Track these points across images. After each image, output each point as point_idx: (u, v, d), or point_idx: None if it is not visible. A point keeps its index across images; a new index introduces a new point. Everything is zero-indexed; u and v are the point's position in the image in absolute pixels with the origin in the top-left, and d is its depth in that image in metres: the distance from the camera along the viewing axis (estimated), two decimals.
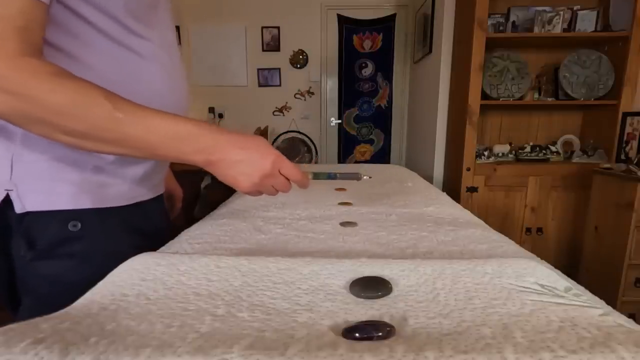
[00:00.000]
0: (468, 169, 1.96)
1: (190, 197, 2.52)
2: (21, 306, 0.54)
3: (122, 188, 0.58)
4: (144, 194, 0.63)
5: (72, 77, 0.42)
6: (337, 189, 1.22)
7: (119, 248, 0.55)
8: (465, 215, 0.94)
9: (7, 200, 0.49)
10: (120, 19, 0.52)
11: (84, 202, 0.53)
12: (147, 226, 0.65)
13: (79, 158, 0.52)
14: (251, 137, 0.51)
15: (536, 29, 1.87)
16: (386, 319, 0.38)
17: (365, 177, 0.67)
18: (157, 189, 0.68)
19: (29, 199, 0.50)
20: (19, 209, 0.49)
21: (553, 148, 2.10)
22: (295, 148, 3.35)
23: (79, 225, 0.53)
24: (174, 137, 0.45)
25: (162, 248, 0.65)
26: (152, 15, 0.58)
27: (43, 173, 0.50)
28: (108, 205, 0.56)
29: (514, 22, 1.94)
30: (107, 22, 0.51)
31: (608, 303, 0.43)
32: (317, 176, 0.62)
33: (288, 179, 0.55)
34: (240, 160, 0.49)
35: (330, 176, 0.65)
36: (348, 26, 3.27)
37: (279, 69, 3.30)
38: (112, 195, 0.57)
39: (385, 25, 3.26)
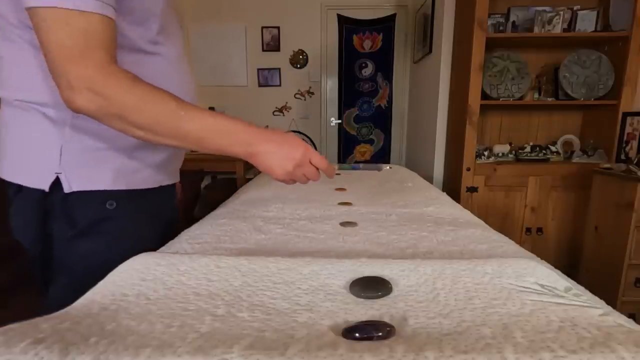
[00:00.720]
0: (468, 169, 1.96)
1: (190, 197, 2.51)
2: (54, 285, 0.61)
3: (146, 172, 0.66)
4: (163, 179, 0.71)
5: (144, 81, 0.50)
6: (337, 189, 1.22)
7: (141, 229, 0.66)
8: (465, 215, 0.94)
9: (54, 184, 0.56)
10: (152, 29, 0.59)
11: (120, 184, 0.62)
12: (164, 211, 0.74)
13: (117, 145, 0.60)
14: (283, 132, 0.60)
15: (536, 29, 1.87)
16: (386, 319, 0.38)
17: (386, 167, 0.74)
18: (174, 176, 0.76)
19: (75, 181, 0.58)
20: (67, 188, 0.57)
21: (553, 148, 2.10)
22: None
23: (115, 204, 0.61)
24: (221, 132, 0.54)
25: (162, 248, 0.65)
26: (170, 19, 0.64)
27: (88, 159, 0.58)
28: (137, 188, 0.64)
29: (514, 22, 1.93)
30: (140, 34, 0.58)
31: (608, 303, 0.43)
32: (342, 167, 0.70)
33: (317, 169, 0.61)
34: (275, 151, 0.57)
35: (354, 167, 0.74)
36: (348, 26, 3.26)
37: (279, 69, 3.29)
38: (140, 178, 0.65)
39: (385, 25, 3.26)
